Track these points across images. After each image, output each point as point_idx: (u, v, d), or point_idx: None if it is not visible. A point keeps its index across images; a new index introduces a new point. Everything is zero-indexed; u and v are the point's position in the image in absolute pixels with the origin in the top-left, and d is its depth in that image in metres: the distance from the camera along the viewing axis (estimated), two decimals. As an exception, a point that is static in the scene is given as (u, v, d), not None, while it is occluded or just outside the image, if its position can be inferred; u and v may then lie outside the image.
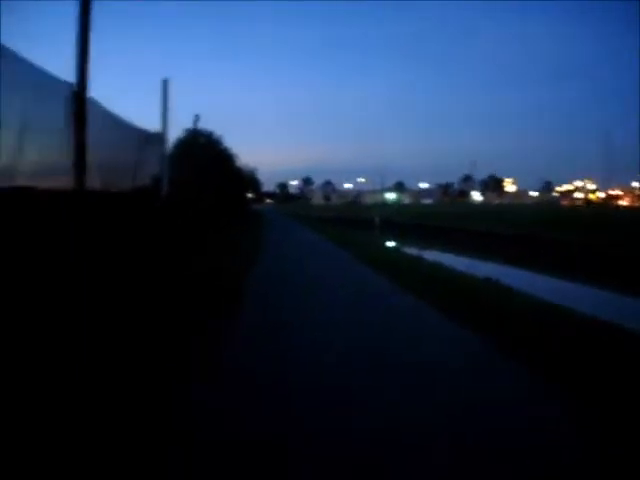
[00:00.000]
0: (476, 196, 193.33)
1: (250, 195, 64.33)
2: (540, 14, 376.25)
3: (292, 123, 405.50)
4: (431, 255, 27.47)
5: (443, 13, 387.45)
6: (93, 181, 8.32)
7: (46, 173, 7.10)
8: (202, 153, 23.34)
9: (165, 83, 14.07)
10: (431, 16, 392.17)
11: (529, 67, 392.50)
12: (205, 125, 29.06)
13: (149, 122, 13.12)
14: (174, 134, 25.37)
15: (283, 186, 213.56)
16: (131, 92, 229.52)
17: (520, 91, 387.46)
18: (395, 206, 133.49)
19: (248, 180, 54.31)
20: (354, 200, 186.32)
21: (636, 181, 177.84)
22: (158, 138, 13.29)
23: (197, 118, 24.61)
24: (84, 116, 7.51)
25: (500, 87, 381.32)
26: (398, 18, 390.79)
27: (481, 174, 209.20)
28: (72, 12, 7.40)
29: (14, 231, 5.38)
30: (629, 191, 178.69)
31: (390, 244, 35.16)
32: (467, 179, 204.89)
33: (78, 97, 7.43)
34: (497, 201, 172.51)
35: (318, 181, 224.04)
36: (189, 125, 25.95)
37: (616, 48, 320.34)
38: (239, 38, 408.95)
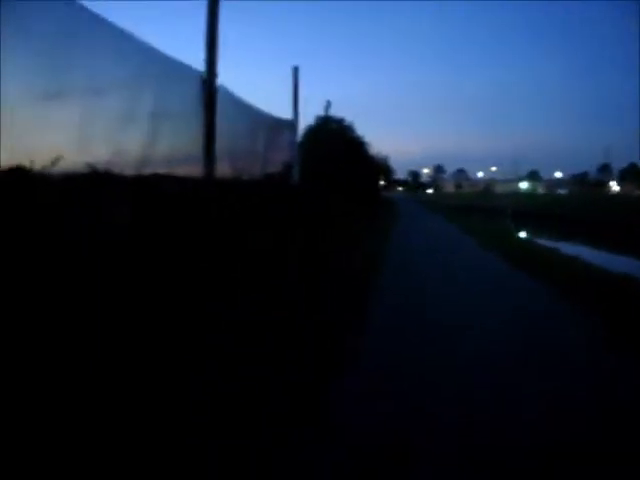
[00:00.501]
0: (614, 186, 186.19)
1: (382, 183, 64.19)
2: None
3: (424, 111, 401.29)
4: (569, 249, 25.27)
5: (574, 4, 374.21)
6: (223, 168, 8.44)
7: (179, 162, 7.26)
8: (333, 140, 23.21)
9: (296, 70, 14.17)
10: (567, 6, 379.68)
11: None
12: (336, 114, 29.12)
13: (280, 111, 13.29)
14: (304, 123, 25.52)
15: (415, 174, 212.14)
16: (262, 82, 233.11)
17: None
18: (528, 196, 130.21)
19: (380, 168, 54.10)
20: (486, 188, 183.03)
21: None
22: (289, 125, 13.38)
23: (328, 104, 24.46)
24: (214, 103, 7.59)
25: (629, 74, 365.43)
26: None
27: (619, 164, 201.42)
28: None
29: (144, 215, 5.43)
30: None
31: (522, 235, 34.01)
32: (604, 168, 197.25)
33: (207, 84, 7.52)
34: (637, 192, 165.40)
35: (450, 169, 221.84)
36: (319, 115, 26.02)
37: None
38: (370, 29, 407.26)
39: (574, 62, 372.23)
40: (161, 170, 6.43)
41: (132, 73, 5.96)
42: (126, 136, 5.76)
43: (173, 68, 6.78)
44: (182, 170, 7.13)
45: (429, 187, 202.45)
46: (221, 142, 8.10)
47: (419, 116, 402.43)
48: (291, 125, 13.54)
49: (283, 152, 13.14)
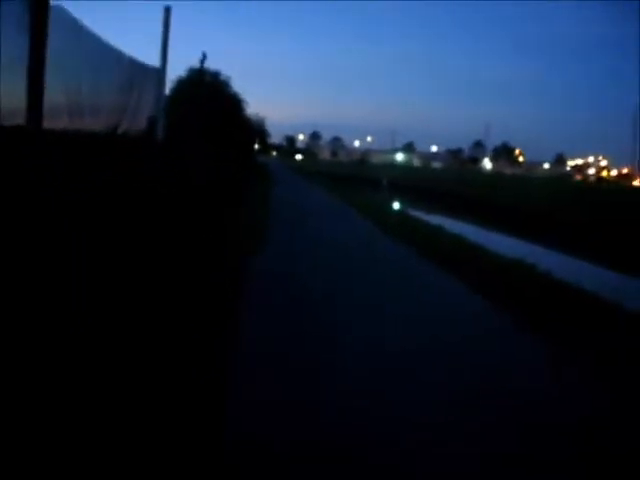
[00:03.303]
0: (487, 164, 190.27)
1: (257, 146, 62.04)
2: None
3: (302, 75, 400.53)
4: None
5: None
6: (59, 120, 6.47)
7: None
8: (207, 95, 21.11)
9: (167, 11, 12.04)
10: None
11: (552, 38, 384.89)
12: (211, 67, 26.67)
13: (146, 59, 11.19)
14: (174, 75, 23.37)
15: (291, 139, 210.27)
16: (128, 26, 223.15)
17: (538, 61, 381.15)
18: (404, 168, 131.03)
19: (256, 130, 52.02)
20: (362, 159, 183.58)
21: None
22: (155, 73, 11.33)
23: (204, 57, 22.05)
24: (44, 25, 5.55)
25: (519, 56, 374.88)
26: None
27: (493, 142, 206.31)
28: None
29: None
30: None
31: (396, 206, 33.82)
32: (478, 145, 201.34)
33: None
34: (509, 171, 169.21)
35: (326, 137, 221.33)
36: (192, 67, 23.84)
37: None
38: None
39: (458, 41, 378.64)
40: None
41: None
42: None
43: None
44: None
45: (304, 153, 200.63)
46: (56, 87, 6.14)
47: (298, 81, 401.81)
48: (158, 74, 11.48)
49: (147, 106, 11.10)
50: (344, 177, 72.66)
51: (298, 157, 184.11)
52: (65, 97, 6.50)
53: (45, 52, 5.60)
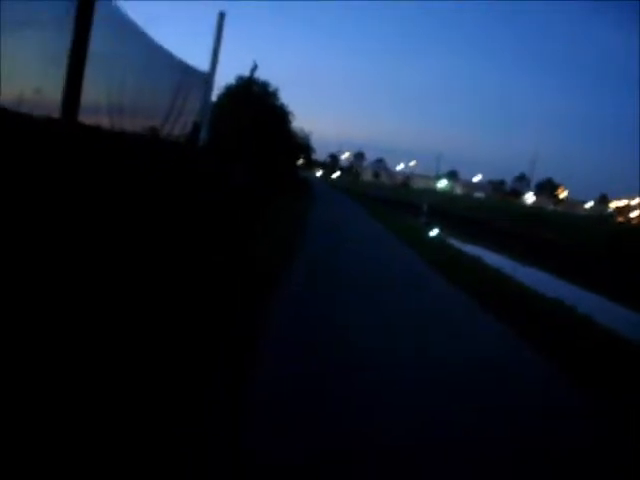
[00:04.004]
0: (529, 198, 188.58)
1: (301, 161, 61.89)
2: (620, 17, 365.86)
3: (350, 93, 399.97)
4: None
5: (520, 5, 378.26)
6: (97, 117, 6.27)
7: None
8: (255, 105, 20.88)
9: (221, 17, 11.90)
10: (508, 7, 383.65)
11: (608, 72, 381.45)
12: (260, 77, 26.38)
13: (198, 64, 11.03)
14: (223, 82, 23.20)
15: (334, 157, 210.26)
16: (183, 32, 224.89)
17: (591, 96, 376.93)
18: (446, 195, 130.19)
19: (301, 145, 51.83)
20: (404, 182, 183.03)
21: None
22: (204, 78, 11.15)
23: (255, 66, 21.76)
24: (90, 14, 5.34)
25: (572, 90, 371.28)
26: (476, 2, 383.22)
27: (536, 176, 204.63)
28: None
29: None
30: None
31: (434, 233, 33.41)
32: (521, 179, 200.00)
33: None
34: (551, 207, 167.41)
35: (370, 157, 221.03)
36: (242, 75, 23.64)
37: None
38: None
39: (512, 67, 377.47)
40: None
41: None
42: None
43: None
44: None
45: (346, 172, 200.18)
46: (99, 84, 5.95)
47: (345, 99, 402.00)
48: (206, 79, 11.31)
49: (193, 110, 10.92)
50: (385, 200, 72.58)
51: (334, 175, 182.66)
52: (106, 94, 6.29)
53: (86, 47, 5.39)
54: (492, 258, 25.81)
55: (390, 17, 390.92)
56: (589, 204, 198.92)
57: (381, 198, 74.02)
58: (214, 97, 14.27)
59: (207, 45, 11.92)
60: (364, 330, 8.63)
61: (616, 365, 8.66)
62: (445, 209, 68.93)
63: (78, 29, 5.20)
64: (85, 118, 5.67)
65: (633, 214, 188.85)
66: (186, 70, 9.80)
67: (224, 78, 23.91)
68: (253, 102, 21.20)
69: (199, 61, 11.40)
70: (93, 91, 5.77)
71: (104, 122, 6.39)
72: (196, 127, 11.16)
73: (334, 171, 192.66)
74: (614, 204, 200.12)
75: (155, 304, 6.07)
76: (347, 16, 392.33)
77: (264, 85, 26.48)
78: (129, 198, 5.71)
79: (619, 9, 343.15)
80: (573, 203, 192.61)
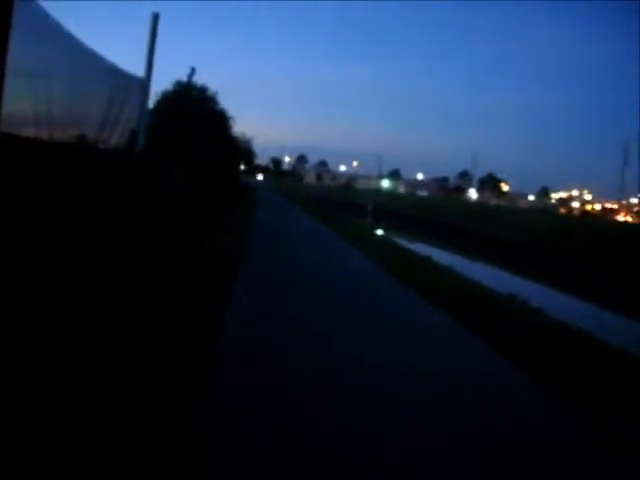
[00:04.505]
0: (472, 194, 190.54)
1: (242, 167, 61.46)
2: (548, 15, 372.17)
3: (290, 97, 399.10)
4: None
5: (452, 8, 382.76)
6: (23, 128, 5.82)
7: None
8: (194, 110, 20.46)
9: (155, 18, 11.43)
10: (441, 9, 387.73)
11: (540, 68, 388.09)
12: (197, 81, 25.75)
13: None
14: (159, 86, 22.69)
15: (277, 161, 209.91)
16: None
17: (528, 92, 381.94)
18: (389, 194, 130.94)
19: (243, 150, 51.41)
20: (347, 184, 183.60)
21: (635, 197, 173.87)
22: (139, 83, 10.69)
23: (193, 71, 21.28)
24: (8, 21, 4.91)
25: (509, 87, 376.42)
26: (413, 5, 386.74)
27: (478, 172, 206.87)
28: None
29: None
30: (625, 206, 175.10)
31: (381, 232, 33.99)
32: (464, 175, 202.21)
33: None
34: (494, 202, 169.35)
35: (312, 160, 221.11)
36: (179, 80, 23.17)
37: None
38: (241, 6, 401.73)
39: (448, 67, 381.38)
40: None
41: None
42: None
43: None
44: None
45: (290, 176, 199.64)
46: (24, 90, 5.52)
47: (285, 103, 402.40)
48: (142, 84, 10.85)
49: (129, 117, 10.44)
50: (328, 201, 72.66)
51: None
52: (32, 104, 5.84)
53: (6, 51, 4.95)
54: (430, 251, 28.08)
55: (327, 19, 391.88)
56: (531, 197, 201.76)
57: (325, 200, 73.90)
58: (151, 103, 13.78)
59: (144, 49, 11.48)
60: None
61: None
62: (390, 208, 69.09)
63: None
64: (10, 130, 5.25)
65: (574, 204, 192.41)
66: (120, 75, 9.35)
67: (162, 84, 23.39)
68: (191, 107, 20.76)
69: (136, 67, 10.97)
70: (16, 100, 5.34)
71: (31, 134, 5.94)
72: (133, 134, 10.71)
73: (277, 176, 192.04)
74: (555, 196, 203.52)
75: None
76: (285, 19, 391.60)
77: (202, 90, 26.01)
78: (46, 207, 5.31)
79: (546, 4, 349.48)
80: (515, 197, 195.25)
